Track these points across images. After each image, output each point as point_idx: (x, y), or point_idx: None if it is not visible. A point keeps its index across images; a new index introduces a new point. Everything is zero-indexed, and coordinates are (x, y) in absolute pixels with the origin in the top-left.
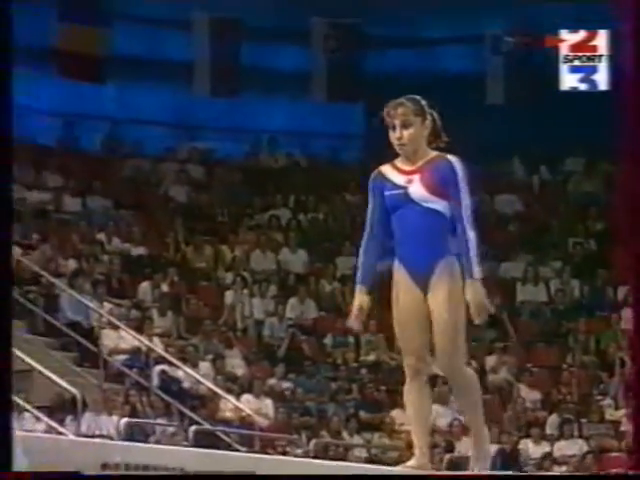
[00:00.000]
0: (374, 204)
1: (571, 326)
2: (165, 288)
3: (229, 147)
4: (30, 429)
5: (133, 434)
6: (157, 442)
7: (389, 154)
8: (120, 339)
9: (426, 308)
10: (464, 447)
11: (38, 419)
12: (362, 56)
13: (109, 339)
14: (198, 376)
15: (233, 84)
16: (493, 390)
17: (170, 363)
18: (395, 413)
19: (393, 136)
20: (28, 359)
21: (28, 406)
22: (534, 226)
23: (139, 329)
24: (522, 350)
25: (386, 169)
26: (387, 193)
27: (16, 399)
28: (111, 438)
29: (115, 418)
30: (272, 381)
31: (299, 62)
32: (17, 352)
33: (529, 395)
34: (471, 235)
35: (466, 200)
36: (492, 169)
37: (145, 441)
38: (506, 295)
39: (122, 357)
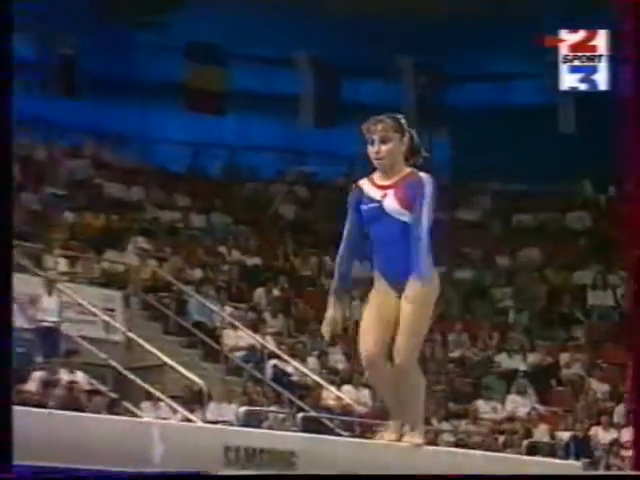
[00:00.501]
0: (351, 217)
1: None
2: (276, 293)
3: (329, 170)
4: (164, 417)
5: (250, 420)
6: (270, 427)
7: (470, 177)
8: (239, 338)
9: (397, 312)
10: (540, 434)
11: (171, 408)
12: (443, 90)
13: (229, 338)
14: (305, 369)
15: (332, 116)
16: (566, 383)
17: (281, 358)
18: (478, 403)
19: (371, 150)
20: (162, 355)
21: (163, 396)
22: (602, 239)
23: (255, 329)
24: (592, 348)
25: (364, 183)
26: (364, 207)
27: (152, 390)
28: (231, 424)
29: (235, 406)
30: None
31: (388, 95)
32: (152, 349)
33: (599, 388)
34: (423, 241)
35: (427, 212)
36: (564, 189)
37: (260, 426)
38: (578, 300)
39: (240, 353)
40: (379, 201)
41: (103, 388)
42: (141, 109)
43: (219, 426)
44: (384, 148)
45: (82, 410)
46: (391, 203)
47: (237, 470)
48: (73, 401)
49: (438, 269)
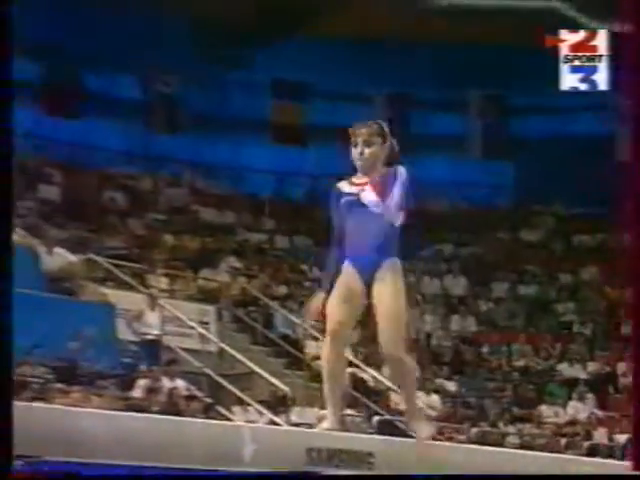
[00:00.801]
0: (335, 216)
1: None
2: None
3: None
4: (253, 420)
5: None
6: (348, 430)
7: (533, 200)
8: (319, 348)
9: (362, 299)
10: (599, 436)
11: (259, 412)
12: (509, 121)
13: (311, 348)
14: (380, 377)
15: (404, 145)
16: (623, 390)
17: (358, 367)
18: (542, 408)
19: (355, 152)
20: (250, 364)
21: (251, 401)
22: None
23: None
24: None
25: (342, 184)
26: (342, 201)
27: (242, 395)
28: (313, 426)
29: (316, 410)
30: (439, 381)
31: (459, 127)
32: (242, 358)
33: None
34: (393, 227)
35: (398, 197)
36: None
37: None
38: None
39: (320, 362)
40: (356, 194)
41: (199, 394)
42: (232, 141)
43: (302, 429)
44: (367, 150)
45: (181, 414)
46: (368, 195)
47: (317, 469)
48: (173, 406)
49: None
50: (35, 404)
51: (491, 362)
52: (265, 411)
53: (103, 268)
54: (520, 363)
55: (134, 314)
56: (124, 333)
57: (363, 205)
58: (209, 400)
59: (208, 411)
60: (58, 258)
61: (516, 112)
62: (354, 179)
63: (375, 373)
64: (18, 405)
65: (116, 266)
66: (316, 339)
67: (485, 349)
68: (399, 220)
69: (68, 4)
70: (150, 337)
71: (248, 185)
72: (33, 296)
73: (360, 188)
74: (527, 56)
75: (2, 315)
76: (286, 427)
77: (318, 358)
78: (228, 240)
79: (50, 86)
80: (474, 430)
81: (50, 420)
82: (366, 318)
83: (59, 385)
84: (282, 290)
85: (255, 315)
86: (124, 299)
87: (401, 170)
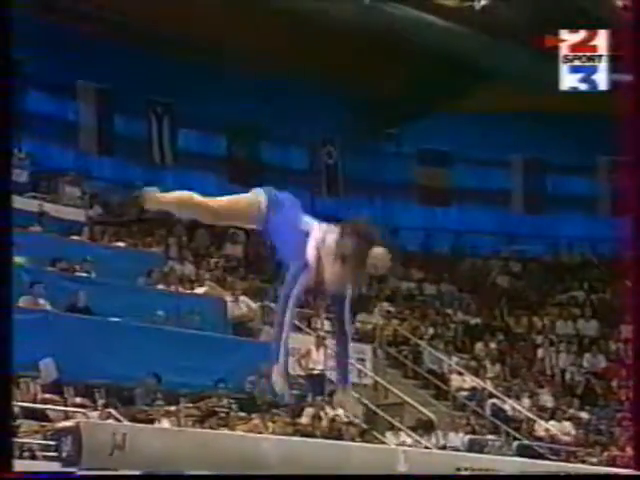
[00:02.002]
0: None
1: None
2: (493, 346)
3: (538, 249)
4: (404, 443)
5: (473, 447)
6: (489, 453)
7: None
8: (463, 381)
9: None
10: None
11: (409, 435)
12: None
13: (456, 381)
14: (519, 407)
15: (540, 205)
16: None
17: (499, 397)
18: None
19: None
20: (401, 395)
21: (402, 427)
22: None
23: (476, 374)
24: None
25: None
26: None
27: (394, 422)
28: (457, 450)
29: (461, 435)
30: (572, 411)
31: (588, 188)
32: (394, 390)
33: None
34: None
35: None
36: None
37: (481, 452)
38: None
39: (465, 393)
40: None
41: (357, 420)
42: (384, 203)
43: (449, 452)
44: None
45: (341, 438)
46: None
47: None
48: (335, 431)
49: None
50: (221, 431)
51: (620, 395)
52: (414, 436)
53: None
54: None
55: (303, 352)
56: (294, 369)
57: None
58: (365, 426)
59: (364, 435)
60: (242, 305)
61: (556, 170)
62: None
63: (514, 403)
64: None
65: None
66: (460, 374)
67: (614, 383)
68: None
69: (264, 92)
70: (316, 372)
71: (399, 240)
72: (221, 338)
73: None
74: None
75: (2, 322)
76: (434, 450)
77: (461, 390)
78: (382, 288)
79: (234, 158)
80: (605, 454)
81: (232, 443)
82: (504, 356)
83: (241, 414)
84: (430, 331)
85: (405, 353)
86: (294, 339)
87: None
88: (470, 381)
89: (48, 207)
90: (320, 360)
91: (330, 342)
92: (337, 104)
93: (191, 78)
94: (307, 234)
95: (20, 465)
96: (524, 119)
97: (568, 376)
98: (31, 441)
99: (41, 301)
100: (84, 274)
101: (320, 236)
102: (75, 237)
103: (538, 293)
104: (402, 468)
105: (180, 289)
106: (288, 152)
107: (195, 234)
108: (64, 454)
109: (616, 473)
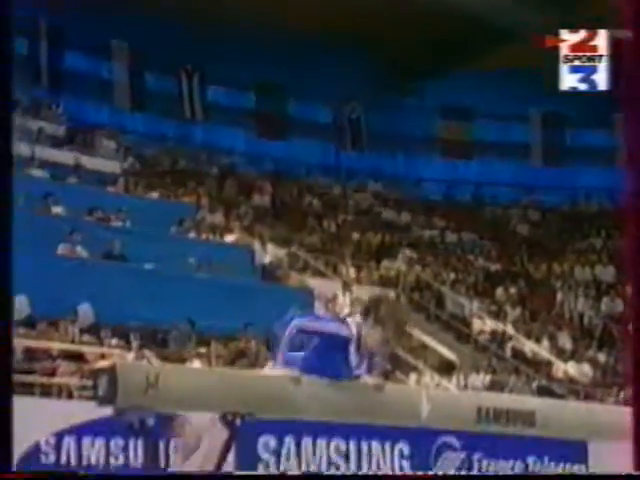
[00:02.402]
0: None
1: None
2: (514, 291)
3: (556, 199)
4: (427, 384)
5: (493, 387)
6: (509, 392)
7: None
8: (484, 324)
9: None
10: None
11: (432, 377)
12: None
13: (477, 325)
14: (539, 349)
15: (560, 159)
16: None
17: (519, 340)
18: None
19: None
20: (423, 337)
21: (425, 368)
22: None
23: (496, 317)
24: None
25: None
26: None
27: (417, 364)
28: (479, 390)
29: (482, 376)
30: (590, 352)
31: (605, 140)
32: (418, 332)
33: None
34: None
35: None
36: None
37: (501, 391)
38: None
39: (485, 336)
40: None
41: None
42: (407, 156)
43: (474, 391)
44: None
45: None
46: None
47: (487, 428)
48: None
49: None
50: (250, 370)
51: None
52: (437, 377)
53: (303, 260)
54: None
55: (329, 297)
56: (320, 312)
57: None
58: (388, 367)
59: (388, 377)
60: (269, 253)
61: (573, 125)
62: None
63: (534, 346)
64: (239, 372)
65: (314, 258)
66: (481, 317)
67: (630, 327)
68: None
69: (291, 50)
70: (342, 315)
71: (422, 191)
72: (250, 284)
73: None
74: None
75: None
76: (455, 391)
77: (482, 333)
78: (405, 236)
79: (262, 113)
80: (622, 394)
81: (261, 384)
82: (524, 301)
83: (269, 355)
84: (451, 277)
85: (428, 298)
86: (321, 285)
87: None
88: (491, 324)
89: (84, 160)
90: (346, 304)
91: (355, 287)
92: (361, 61)
93: (221, 36)
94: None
95: (57, 404)
96: (542, 74)
97: (586, 320)
98: (69, 381)
99: (78, 249)
100: (119, 223)
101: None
102: (110, 188)
103: (557, 241)
104: (425, 408)
105: (210, 237)
106: (314, 107)
107: (224, 185)
108: (100, 393)
109: (616, 473)
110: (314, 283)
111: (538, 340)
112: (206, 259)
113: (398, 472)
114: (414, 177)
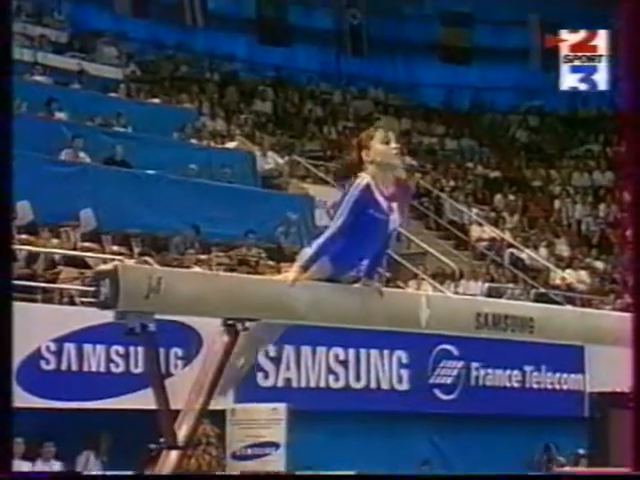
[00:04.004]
0: (353, 219)
1: None
2: (512, 198)
3: (555, 104)
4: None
5: (491, 293)
6: (508, 299)
7: None
8: (483, 232)
9: None
10: None
11: (431, 284)
12: None
13: (475, 232)
14: (537, 256)
15: (556, 62)
16: None
17: (517, 247)
18: None
19: (390, 147)
20: (423, 245)
21: (424, 276)
22: None
23: (495, 225)
24: None
25: (374, 187)
26: (371, 214)
27: (416, 271)
28: (477, 296)
29: (480, 284)
30: (588, 260)
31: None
32: (417, 240)
33: None
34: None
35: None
36: None
37: (500, 298)
38: None
39: (484, 243)
40: (387, 215)
41: (380, 270)
42: (407, 62)
43: (469, 297)
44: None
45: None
46: (396, 219)
47: (486, 333)
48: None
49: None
50: (251, 276)
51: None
52: (436, 284)
53: (304, 167)
54: None
55: (330, 204)
56: (321, 219)
57: (389, 228)
58: (388, 274)
59: (388, 284)
60: (270, 160)
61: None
62: (380, 184)
63: (532, 253)
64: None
65: (314, 165)
66: (480, 224)
67: (628, 232)
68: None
69: None
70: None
71: (421, 97)
72: (251, 191)
73: (389, 205)
74: None
75: (1, 318)
76: (452, 295)
77: (481, 240)
78: (405, 143)
79: (263, 19)
80: (619, 301)
81: (262, 289)
82: (526, 204)
83: (270, 262)
84: (450, 183)
85: (427, 204)
86: (321, 192)
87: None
88: (489, 231)
89: (87, 66)
90: None
91: None
92: None
93: None
94: None
95: (59, 310)
96: None
97: (584, 226)
98: (70, 287)
99: (81, 154)
100: (121, 129)
101: None
102: (112, 94)
103: (555, 146)
104: (424, 313)
105: (212, 144)
106: (315, 13)
107: (226, 91)
108: (102, 297)
109: (616, 473)
110: (314, 190)
111: (536, 247)
112: (207, 165)
113: (396, 381)
114: (414, 83)
